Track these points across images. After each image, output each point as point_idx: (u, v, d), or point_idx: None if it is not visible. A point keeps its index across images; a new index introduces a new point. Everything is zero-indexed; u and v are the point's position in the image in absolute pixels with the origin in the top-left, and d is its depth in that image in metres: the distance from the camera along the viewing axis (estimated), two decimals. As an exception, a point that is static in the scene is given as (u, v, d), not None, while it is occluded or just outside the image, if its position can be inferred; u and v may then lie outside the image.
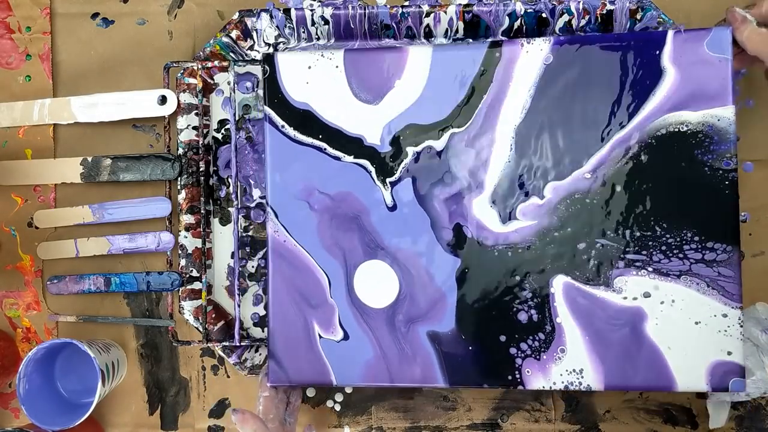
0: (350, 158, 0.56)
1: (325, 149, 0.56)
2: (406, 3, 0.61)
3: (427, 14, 0.59)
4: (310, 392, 0.62)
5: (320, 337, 0.56)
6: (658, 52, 0.53)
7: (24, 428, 0.57)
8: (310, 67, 0.56)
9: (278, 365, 0.56)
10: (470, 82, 0.55)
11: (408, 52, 0.55)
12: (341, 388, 0.62)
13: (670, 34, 0.53)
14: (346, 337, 0.55)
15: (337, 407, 0.62)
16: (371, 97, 0.56)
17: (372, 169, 0.55)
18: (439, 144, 0.55)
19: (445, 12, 0.59)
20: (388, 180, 0.55)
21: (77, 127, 0.63)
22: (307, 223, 0.56)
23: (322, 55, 0.56)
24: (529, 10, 0.58)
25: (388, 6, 0.59)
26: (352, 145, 0.56)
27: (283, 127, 0.56)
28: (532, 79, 0.54)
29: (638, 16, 0.58)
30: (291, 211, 0.56)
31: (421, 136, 0.55)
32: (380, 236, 0.55)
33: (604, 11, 0.58)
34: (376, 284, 0.55)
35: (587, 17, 0.59)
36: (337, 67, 0.56)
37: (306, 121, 0.56)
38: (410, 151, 0.55)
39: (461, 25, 0.60)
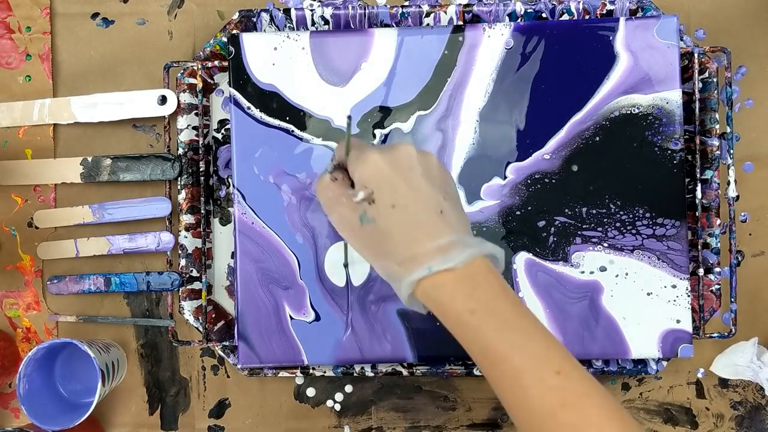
0: (318, 140, 0.56)
1: (292, 131, 0.57)
2: (406, 3, 0.61)
3: (427, 14, 0.59)
4: (310, 392, 0.62)
5: (291, 318, 0.56)
6: (611, 38, 0.55)
7: (24, 428, 0.57)
8: (276, 49, 0.56)
9: (248, 347, 0.56)
10: (435, 65, 0.56)
11: (373, 34, 0.56)
12: (341, 388, 0.62)
13: (622, 21, 0.56)
14: (317, 318, 0.56)
15: (337, 407, 0.62)
16: (338, 80, 0.57)
17: None
18: (406, 126, 0.56)
19: (445, 12, 0.59)
20: None
21: (77, 127, 0.63)
22: (276, 205, 0.57)
23: (288, 37, 0.56)
24: (529, 10, 0.59)
25: (388, 6, 0.59)
26: (320, 127, 0.57)
27: (248, 108, 0.57)
28: (494, 63, 0.56)
29: (638, 16, 0.58)
30: (259, 194, 0.57)
31: (388, 118, 0.56)
32: None
33: (604, 11, 0.58)
34: None
35: (587, 17, 0.59)
36: (303, 48, 0.56)
37: (272, 102, 0.57)
38: (378, 133, 0.56)
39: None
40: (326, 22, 0.60)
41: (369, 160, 0.42)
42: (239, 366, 0.57)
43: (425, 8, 0.59)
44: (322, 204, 0.45)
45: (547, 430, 0.38)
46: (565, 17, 0.59)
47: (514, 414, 0.40)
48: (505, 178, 0.56)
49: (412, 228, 0.41)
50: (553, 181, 0.56)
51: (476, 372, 0.59)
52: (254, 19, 0.60)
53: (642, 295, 0.56)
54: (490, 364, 0.41)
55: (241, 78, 0.57)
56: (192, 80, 0.61)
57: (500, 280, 0.42)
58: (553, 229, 0.56)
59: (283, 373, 0.60)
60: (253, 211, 0.57)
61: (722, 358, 0.60)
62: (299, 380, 0.62)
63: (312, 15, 0.59)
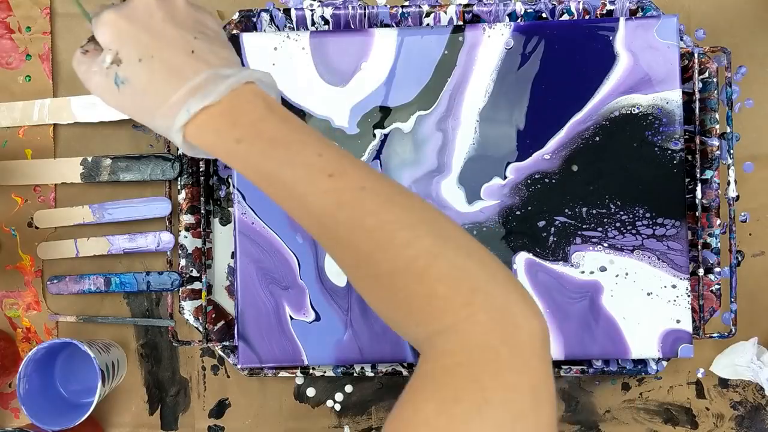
0: None
1: None
2: (406, 3, 0.61)
3: (427, 14, 0.59)
4: (310, 392, 0.62)
5: (291, 318, 0.56)
6: (611, 38, 0.55)
7: (24, 428, 0.57)
8: (276, 49, 0.56)
9: (248, 346, 0.56)
10: (435, 65, 0.56)
11: (373, 34, 0.56)
12: (341, 388, 0.62)
13: (622, 21, 0.56)
14: (317, 318, 0.56)
15: (337, 407, 0.62)
16: (338, 80, 0.57)
17: None
18: (406, 126, 0.56)
19: (445, 12, 0.59)
20: None
21: (77, 127, 0.63)
22: (276, 205, 0.56)
23: (288, 37, 0.56)
24: (529, 10, 0.59)
25: (388, 6, 0.59)
26: (320, 127, 0.57)
27: None
28: (494, 63, 0.56)
29: (638, 16, 0.58)
30: (259, 194, 0.56)
31: (388, 118, 0.56)
32: None
33: (604, 11, 0.58)
34: None
35: (587, 17, 0.59)
36: (303, 48, 0.56)
37: None
38: (378, 133, 0.56)
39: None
40: (326, 22, 0.60)
41: (105, 21, 0.41)
42: (239, 366, 0.57)
43: (425, 8, 0.59)
44: (82, 80, 0.44)
45: (330, 230, 0.39)
46: (565, 17, 0.59)
47: (302, 224, 0.41)
48: (505, 178, 0.56)
49: (164, 76, 0.40)
50: (553, 181, 0.56)
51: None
52: (254, 19, 0.60)
53: (642, 295, 0.56)
54: (267, 185, 0.41)
55: None
56: (192, 80, 0.60)
57: (266, 101, 0.41)
58: (553, 229, 0.56)
59: (283, 373, 0.60)
60: (253, 211, 0.57)
61: (722, 358, 0.60)
62: (299, 380, 0.62)
63: (312, 15, 0.59)
